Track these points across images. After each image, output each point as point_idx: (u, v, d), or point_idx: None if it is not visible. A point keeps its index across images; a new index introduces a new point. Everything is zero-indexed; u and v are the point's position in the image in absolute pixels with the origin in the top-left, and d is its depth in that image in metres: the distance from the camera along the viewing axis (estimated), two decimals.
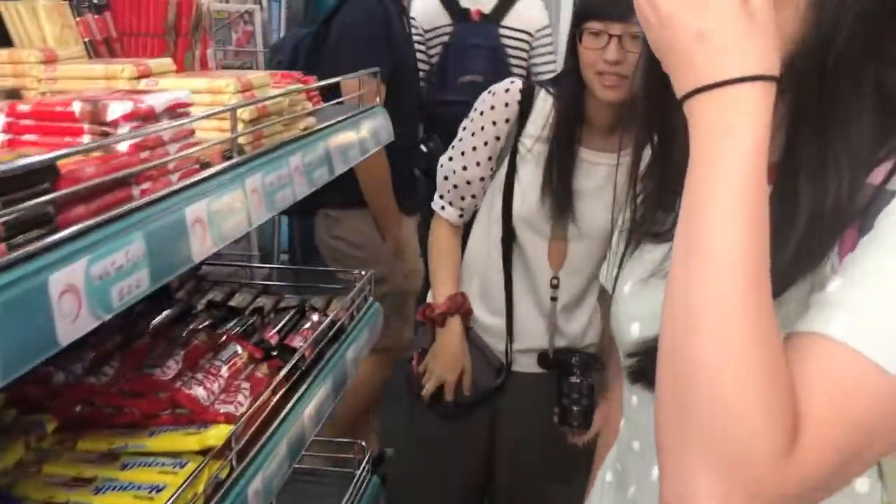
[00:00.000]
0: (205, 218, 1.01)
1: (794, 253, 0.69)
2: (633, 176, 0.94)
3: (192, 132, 1.06)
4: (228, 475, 1.15)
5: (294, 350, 1.48)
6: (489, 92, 1.96)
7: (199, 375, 1.28)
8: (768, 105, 0.61)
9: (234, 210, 1.08)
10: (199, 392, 1.24)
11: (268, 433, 1.29)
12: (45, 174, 0.77)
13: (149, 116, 0.96)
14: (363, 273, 1.92)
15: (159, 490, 1.06)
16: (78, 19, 1.48)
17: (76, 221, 0.82)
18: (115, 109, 0.91)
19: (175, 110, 1.02)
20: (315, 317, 1.67)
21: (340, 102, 1.75)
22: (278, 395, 1.36)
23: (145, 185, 0.94)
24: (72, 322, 0.74)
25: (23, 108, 0.93)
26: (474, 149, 1.94)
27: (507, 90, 1.92)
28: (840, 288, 0.64)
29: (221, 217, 1.04)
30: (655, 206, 0.92)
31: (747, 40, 0.60)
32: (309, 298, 1.87)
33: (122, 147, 0.92)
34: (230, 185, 1.09)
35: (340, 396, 1.65)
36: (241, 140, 1.22)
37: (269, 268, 2.23)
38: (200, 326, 1.48)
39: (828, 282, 0.66)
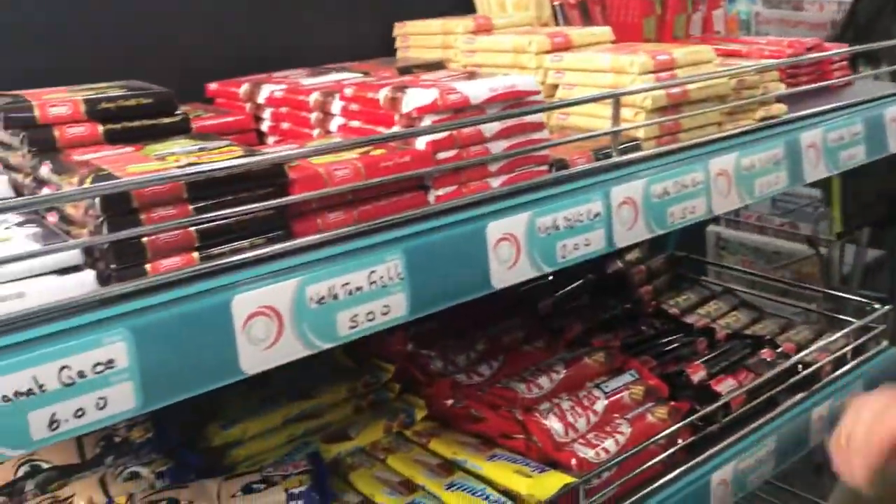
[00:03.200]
0: (520, 237, 0.81)
1: None
2: None
3: (540, 126, 0.86)
4: None
5: (716, 396, 1.17)
6: None
7: (567, 403, 1.10)
8: None
9: (575, 226, 0.85)
10: (553, 424, 1.06)
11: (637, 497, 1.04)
12: (271, 176, 0.68)
13: (462, 108, 0.79)
14: (877, 306, 1.45)
15: None
16: None
17: (331, 227, 0.72)
18: (412, 100, 0.77)
19: (511, 99, 0.83)
20: (772, 354, 1.31)
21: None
22: (668, 451, 1.09)
23: (444, 190, 0.79)
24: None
25: (348, 91, 0.85)
26: None
27: None
28: None
29: (545, 239, 0.82)
30: None
31: None
32: (793, 326, 1.49)
33: (420, 144, 0.78)
34: (579, 197, 0.86)
35: (790, 461, 1.28)
36: (640, 134, 0.97)
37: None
38: (611, 343, 1.27)
39: None
